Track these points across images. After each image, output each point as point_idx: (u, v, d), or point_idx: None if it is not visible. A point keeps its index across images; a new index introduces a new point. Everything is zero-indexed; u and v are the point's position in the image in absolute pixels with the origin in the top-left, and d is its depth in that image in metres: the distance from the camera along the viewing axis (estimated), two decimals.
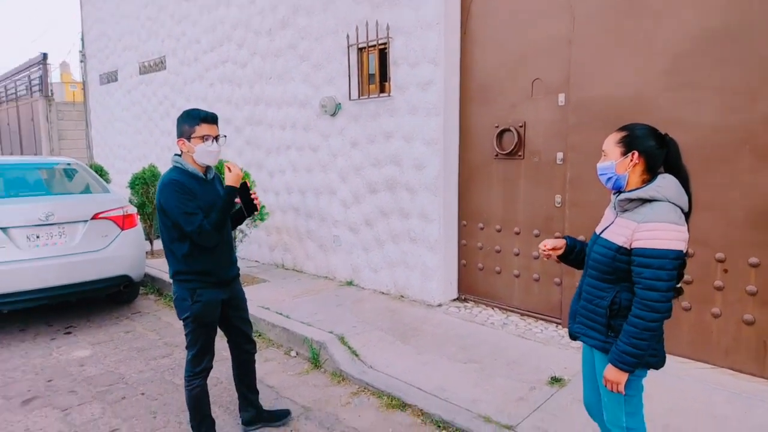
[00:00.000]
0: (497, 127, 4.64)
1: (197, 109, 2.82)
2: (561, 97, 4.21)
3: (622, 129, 2.16)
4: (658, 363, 2.16)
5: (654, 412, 3.11)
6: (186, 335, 2.87)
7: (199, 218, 2.68)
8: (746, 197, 3.42)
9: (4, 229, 4.54)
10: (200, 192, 2.76)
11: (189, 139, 2.76)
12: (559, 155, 4.27)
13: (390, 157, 5.22)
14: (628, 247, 2.04)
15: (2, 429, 3.29)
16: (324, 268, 6.15)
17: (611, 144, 2.15)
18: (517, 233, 4.64)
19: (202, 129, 2.75)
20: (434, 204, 4.91)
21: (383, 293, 5.48)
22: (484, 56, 4.73)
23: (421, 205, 5.00)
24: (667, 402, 3.23)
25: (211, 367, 2.95)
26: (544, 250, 2.40)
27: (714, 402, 3.22)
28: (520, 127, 4.49)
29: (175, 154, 2.86)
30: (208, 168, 2.88)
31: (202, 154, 2.76)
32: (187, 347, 2.88)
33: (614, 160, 2.13)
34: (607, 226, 2.21)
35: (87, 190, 5.64)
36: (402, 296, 5.32)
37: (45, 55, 14.56)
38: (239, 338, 3.14)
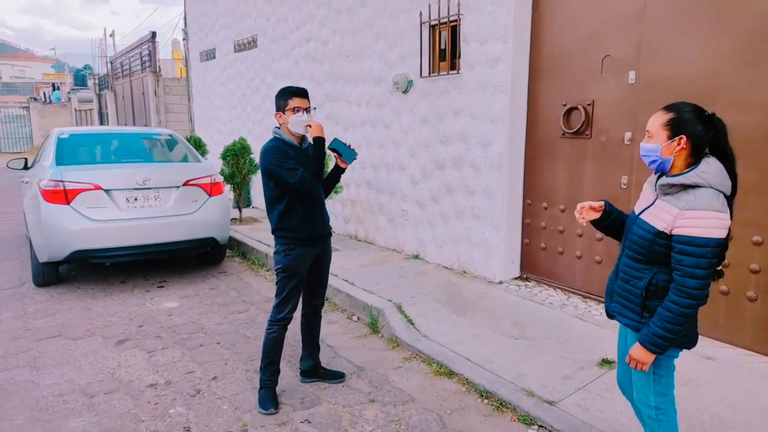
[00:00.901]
0: (565, 105, 4.57)
1: (290, 86, 3.19)
2: (631, 75, 4.07)
3: (668, 109, 2.08)
4: (690, 342, 2.15)
5: (704, 401, 3.06)
6: (276, 284, 3.24)
7: (300, 171, 3.03)
8: None
9: (107, 191, 5.16)
10: (295, 157, 3.10)
11: (284, 111, 3.11)
12: (627, 135, 4.15)
13: (457, 134, 5.29)
14: (669, 233, 2.01)
15: (99, 362, 3.84)
16: (392, 241, 6.37)
17: (657, 125, 2.08)
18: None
19: (294, 102, 3.09)
20: (498, 182, 4.94)
21: (446, 268, 5.61)
22: (555, 32, 4.65)
23: (486, 182, 5.05)
24: (720, 392, 3.15)
25: (291, 318, 3.26)
26: (582, 210, 2.35)
27: None
28: (589, 105, 4.40)
29: (275, 127, 3.22)
30: (303, 138, 3.21)
31: (295, 123, 3.10)
32: (275, 295, 3.24)
33: (660, 143, 2.06)
34: (647, 207, 2.17)
35: (181, 159, 6.21)
36: (464, 272, 5.42)
37: (154, 34, 15.75)
38: (315, 292, 3.47)
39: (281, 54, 8.43)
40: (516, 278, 5.22)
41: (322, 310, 3.59)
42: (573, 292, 4.75)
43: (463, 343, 3.91)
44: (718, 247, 1.94)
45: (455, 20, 5.20)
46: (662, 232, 2.04)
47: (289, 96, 3.10)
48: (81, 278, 5.83)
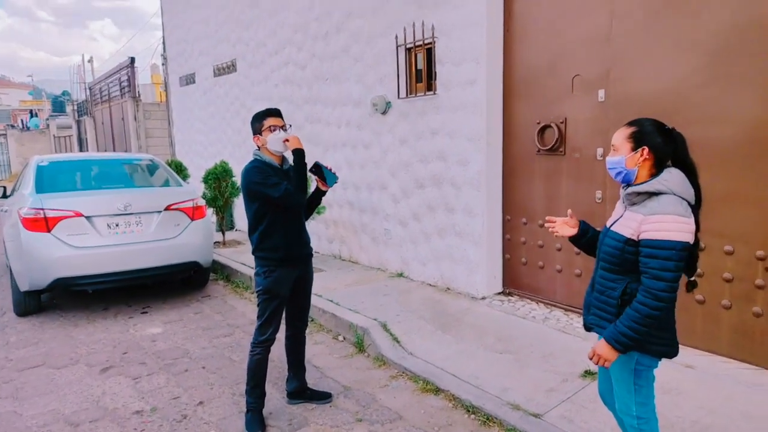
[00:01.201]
0: (539, 123, 4.70)
1: (263, 109, 3.24)
2: (601, 93, 4.22)
3: (631, 124, 2.21)
4: (670, 352, 2.20)
5: (685, 409, 3.12)
6: (258, 305, 3.25)
7: (284, 184, 3.06)
8: None
9: (88, 217, 5.15)
10: (276, 177, 3.13)
11: (261, 133, 3.15)
12: (599, 151, 4.29)
13: (436, 154, 5.39)
14: (636, 239, 2.10)
15: (83, 391, 3.80)
16: (376, 260, 6.42)
17: (621, 139, 2.19)
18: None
19: (269, 121, 3.14)
20: (478, 199, 5.04)
21: (430, 285, 5.67)
22: (526, 53, 4.80)
23: (466, 200, 5.15)
24: (700, 399, 3.22)
25: (274, 340, 3.27)
26: (551, 222, 2.52)
27: (751, 402, 3.17)
28: (561, 123, 4.54)
29: (255, 149, 3.25)
30: (283, 160, 3.25)
31: (273, 141, 3.13)
32: (257, 317, 3.25)
33: (624, 155, 2.18)
34: (617, 219, 2.28)
35: (162, 183, 6.22)
36: (448, 288, 5.48)
37: (132, 59, 15.76)
38: (298, 314, 3.49)
39: (261, 78, 8.52)
40: (499, 293, 5.29)
41: (308, 331, 3.61)
42: (555, 306, 4.84)
43: (448, 359, 3.95)
44: (684, 251, 2.01)
45: (430, 43, 5.34)
46: (630, 239, 2.12)
47: (263, 117, 3.16)
48: (63, 306, 5.76)
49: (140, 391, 3.78)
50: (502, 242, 5.23)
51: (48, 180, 5.60)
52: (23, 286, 5.13)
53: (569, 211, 2.54)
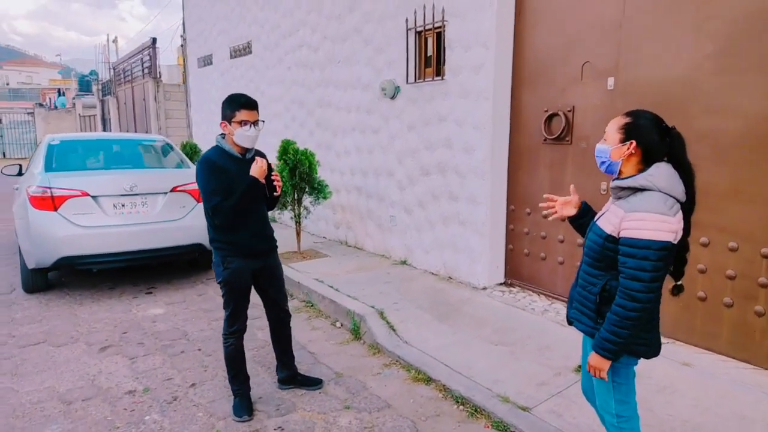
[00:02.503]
0: (546, 111, 4.57)
1: (239, 95, 3.07)
2: (610, 81, 4.08)
3: (627, 114, 2.11)
4: (649, 352, 2.13)
5: (678, 407, 3.05)
6: (222, 296, 3.21)
7: (217, 199, 2.93)
8: None
9: (94, 197, 5.20)
10: (235, 171, 3.02)
11: (230, 122, 3.00)
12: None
13: (442, 141, 5.30)
14: (616, 236, 2.03)
15: (80, 369, 3.87)
16: (381, 246, 6.38)
17: (613, 128, 2.11)
18: (562, 220, 4.57)
19: (242, 114, 2.98)
20: (482, 188, 4.94)
21: (433, 274, 5.62)
22: (537, 39, 4.66)
23: (470, 188, 5.06)
24: (693, 399, 3.14)
25: (245, 329, 3.26)
26: (551, 202, 2.44)
27: (745, 403, 3.08)
28: (569, 111, 4.40)
29: (219, 134, 3.14)
30: (247, 149, 3.12)
31: (240, 137, 3.01)
32: (224, 308, 3.22)
33: (610, 146, 2.10)
34: (603, 213, 2.20)
35: (170, 165, 6.25)
36: (450, 278, 5.43)
37: (154, 40, 15.87)
38: (273, 307, 3.45)
39: (275, 60, 8.48)
40: (500, 284, 5.22)
41: (306, 317, 3.60)
42: (555, 298, 4.75)
43: (442, 349, 3.91)
44: (663, 251, 1.92)
45: (440, 26, 5.22)
46: (610, 236, 2.05)
47: (238, 107, 2.97)
48: (70, 284, 5.87)
49: (135, 371, 3.83)
50: (505, 232, 5.14)
51: (58, 159, 5.67)
52: (30, 264, 5.22)
53: (572, 186, 2.45)
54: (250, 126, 3.00)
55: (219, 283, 3.17)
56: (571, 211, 2.41)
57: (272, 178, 3.19)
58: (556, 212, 2.45)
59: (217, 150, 3.08)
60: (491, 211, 4.97)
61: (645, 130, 2.05)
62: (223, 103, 3.06)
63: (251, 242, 3.15)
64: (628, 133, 2.06)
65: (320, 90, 7.31)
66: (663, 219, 1.93)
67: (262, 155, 3.22)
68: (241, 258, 3.11)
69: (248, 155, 3.13)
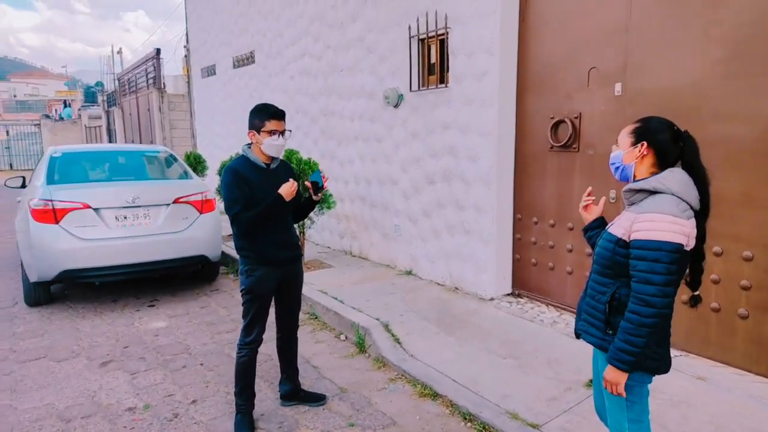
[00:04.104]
0: (552, 118, 4.50)
1: (268, 105, 3.09)
2: (617, 87, 4.00)
3: (639, 120, 2.11)
4: (661, 368, 2.05)
5: (693, 423, 2.95)
6: (242, 305, 3.17)
7: (237, 208, 2.95)
8: None
9: (96, 209, 5.15)
10: (258, 180, 3.03)
11: (259, 131, 3.02)
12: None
13: (447, 148, 5.23)
14: (627, 240, 1.98)
15: (80, 385, 3.80)
16: (386, 256, 6.30)
17: (624, 134, 2.11)
18: (570, 229, 4.49)
19: (271, 124, 3.01)
20: (488, 196, 4.86)
21: (438, 284, 5.53)
22: (542, 45, 4.59)
23: (475, 197, 4.98)
24: (710, 413, 3.04)
25: (261, 341, 3.19)
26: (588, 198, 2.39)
27: (763, 419, 2.97)
28: (576, 118, 4.32)
29: (246, 144, 3.15)
30: (273, 158, 3.13)
31: (269, 146, 3.03)
32: (242, 317, 3.18)
33: (623, 150, 2.08)
34: (614, 222, 2.14)
35: (172, 176, 6.21)
36: (456, 288, 5.34)
37: (158, 50, 15.91)
38: (285, 315, 3.39)
39: (278, 69, 8.46)
40: (508, 295, 5.12)
41: (310, 330, 3.53)
42: (564, 309, 4.65)
43: (449, 362, 3.82)
44: (675, 253, 1.86)
45: (443, 33, 5.16)
46: (621, 240, 2.00)
47: (267, 117, 3.00)
48: (73, 297, 5.82)
49: (136, 387, 3.75)
50: (512, 242, 5.05)
51: (60, 171, 5.63)
52: (32, 277, 5.17)
53: (603, 198, 2.42)
54: (278, 135, 3.03)
55: (241, 290, 3.14)
56: (595, 214, 2.38)
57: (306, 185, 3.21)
58: (590, 204, 2.39)
59: (242, 159, 3.10)
60: (497, 220, 4.89)
61: (656, 130, 2.04)
62: (252, 113, 3.08)
63: (275, 251, 3.13)
64: (639, 135, 2.06)
65: (323, 99, 7.26)
66: (674, 220, 1.88)
67: (288, 166, 3.31)
68: (265, 266, 3.10)
69: (273, 165, 3.16)
